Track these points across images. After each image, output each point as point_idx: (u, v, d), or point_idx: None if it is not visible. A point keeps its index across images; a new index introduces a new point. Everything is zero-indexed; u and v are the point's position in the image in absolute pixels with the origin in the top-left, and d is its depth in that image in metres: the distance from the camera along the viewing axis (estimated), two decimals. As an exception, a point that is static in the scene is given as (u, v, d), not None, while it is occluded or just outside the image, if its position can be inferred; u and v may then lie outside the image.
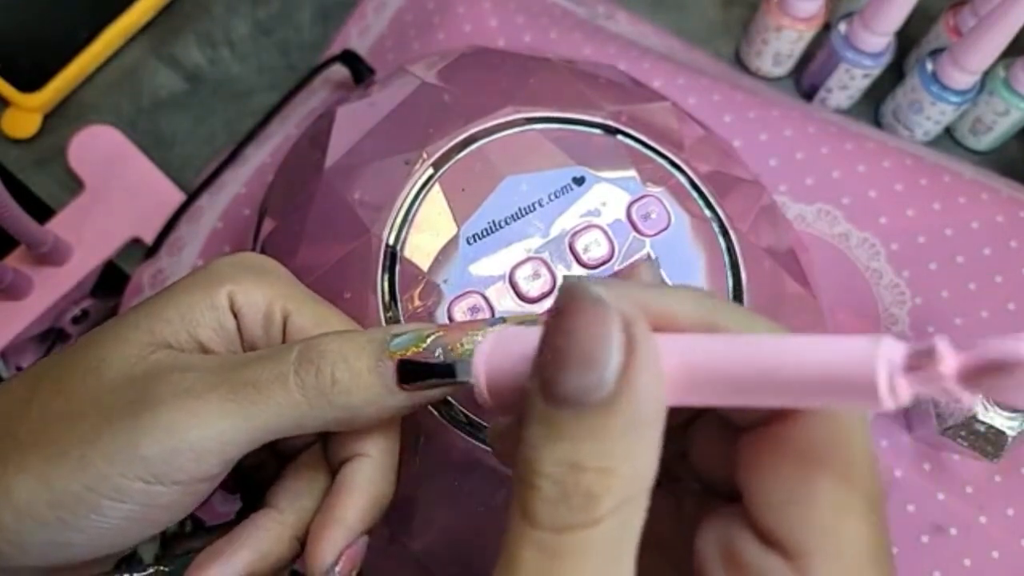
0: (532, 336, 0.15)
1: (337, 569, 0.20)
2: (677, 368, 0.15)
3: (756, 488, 0.16)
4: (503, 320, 0.21)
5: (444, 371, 0.19)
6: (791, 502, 0.15)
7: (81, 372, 0.20)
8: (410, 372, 0.19)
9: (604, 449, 0.14)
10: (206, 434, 0.18)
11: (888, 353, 0.13)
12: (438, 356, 0.20)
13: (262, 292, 0.21)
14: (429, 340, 0.20)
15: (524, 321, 0.20)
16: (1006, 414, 0.33)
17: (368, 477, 0.21)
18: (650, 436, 0.14)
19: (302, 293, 0.22)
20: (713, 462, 0.18)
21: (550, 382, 0.14)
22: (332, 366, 0.19)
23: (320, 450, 0.22)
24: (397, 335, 0.20)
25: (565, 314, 0.14)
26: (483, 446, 0.26)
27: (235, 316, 0.21)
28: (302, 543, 0.21)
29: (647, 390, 0.14)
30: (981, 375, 0.12)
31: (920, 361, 0.13)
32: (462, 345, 0.20)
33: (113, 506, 0.18)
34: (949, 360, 0.12)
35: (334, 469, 0.22)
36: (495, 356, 0.17)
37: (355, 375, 0.19)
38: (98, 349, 0.20)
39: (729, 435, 0.17)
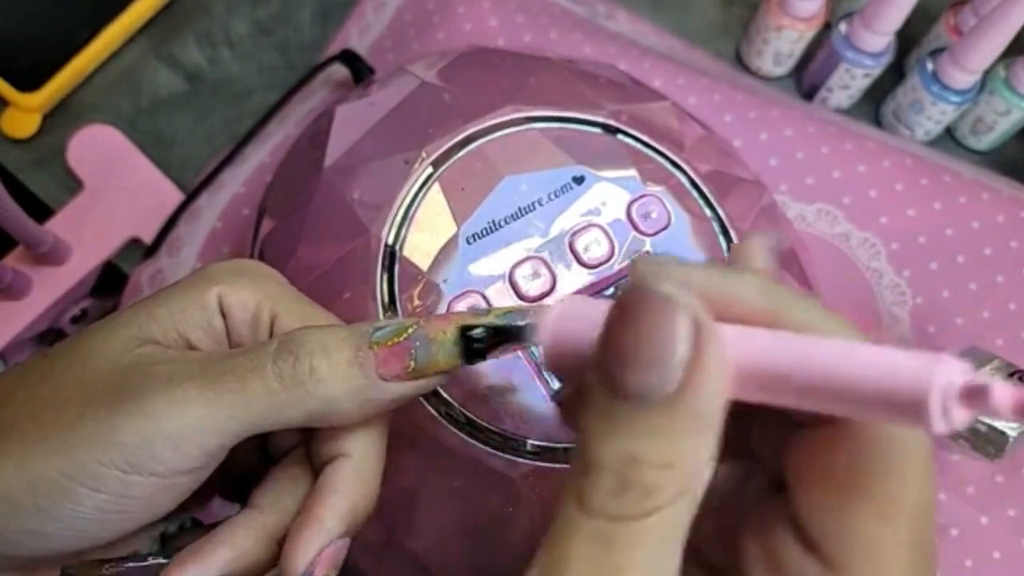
0: (599, 310, 0.15)
1: (313, 572, 0.19)
2: (735, 364, 0.15)
3: (803, 489, 0.16)
4: (487, 312, 0.20)
5: (512, 334, 0.19)
6: (835, 510, 0.15)
7: (68, 362, 0.20)
8: (475, 341, 0.19)
9: (665, 446, 0.14)
10: (184, 422, 0.18)
11: (943, 378, 0.13)
12: (418, 346, 0.19)
13: (252, 294, 0.21)
14: (410, 330, 0.20)
15: (506, 309, 0.20)
16: (1007, 414, 0.33)
17: (348, 478, 0.20)
18: (710, 432, 0.14)
19: (293, 296, 0.22)
20: (767, 449, 0.18)
21: (612, 378, 0.14)
22: (311, 355, 0.19)
23: (304, 452, 0.22)
24: (379, 328, 0.20)
25: (631, 310, 0.14)
26: (483, 446, 0.26)
27: (224, 316, 0.21)
28: (282, 545, 0.21)
29: (710, 389, 0.14)
30: None
31: (975, 394, 0.12)
32: (445, 333, 0.20)
33: (89, 495, 0.18)
34: (1005, 398, 0.12)
35: (317, 471, 0.21)
36: (562, 322, 0.17)
37: (334, 365, 0.19)
38: (87, 341, 0.20)
39: (785, 426, 0.17)
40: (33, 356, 0.21)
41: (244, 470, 0.23)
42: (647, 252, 0.20)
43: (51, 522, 0.18)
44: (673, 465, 0.14)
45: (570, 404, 0.19)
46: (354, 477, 0.21)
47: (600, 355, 0.15)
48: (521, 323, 0.19)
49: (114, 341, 0.20)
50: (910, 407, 0.13)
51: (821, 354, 0.14)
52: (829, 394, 0.14)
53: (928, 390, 0.12)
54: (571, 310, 0.17)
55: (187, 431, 0.18)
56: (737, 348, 0.15)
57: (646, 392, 0.14)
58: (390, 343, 0.19)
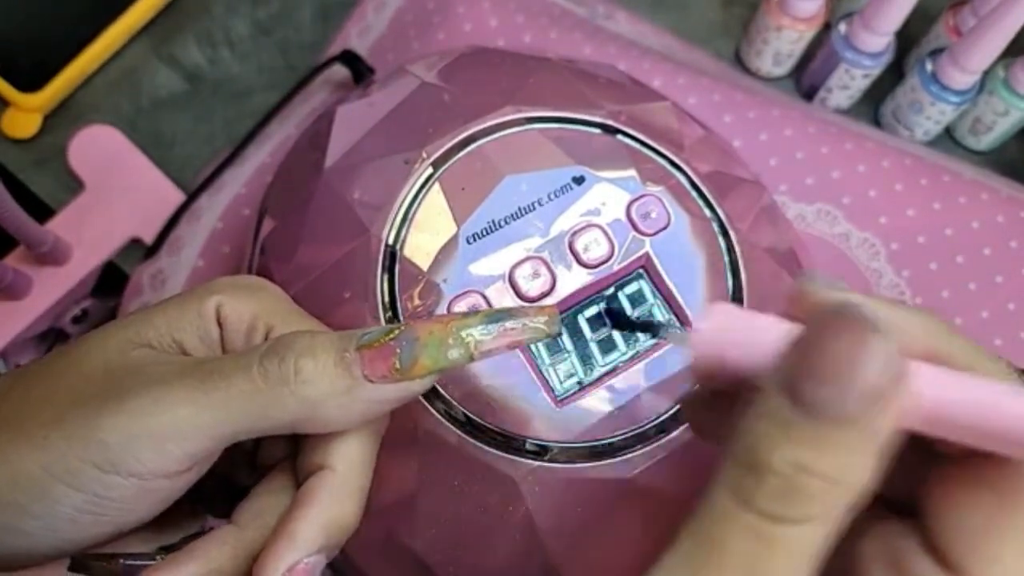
0: (762, 326, 0.16)
1: None
2: (915, 404, 0.15)
3: (944, 512, 0.16)
4: (476, 314, 0.20)
5: (653, 328, 0.20)
6: (978, 533, 0.16)
7: (64, 364, 0.20)
8: (619, 316, 0.20)
9: (837, 462, 0.15)
10: (167, 420, 0.18)
11: None
12: (404, 346, 0.19)
13: (250, 306, 0.22)
14: (396, 332, 0.20)
15: (493, 315, 0.20)
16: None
17: (328, 491, 0.20)
18: (876, 453, 0.15)
19: (290, 310, 0.23)
20: (896, 474, 0.18)
21: (802, 391, 0.15)
22: (297, 356, 0.19)
23: (289, 466, 0.22)
24: (368, 332, 0.20)
25: (833, 328, 0.15)
26: (483, 446, 0.26)
27: (220, 326, 0.22)
28: None
29: (887, 424, 0.15)
30: None
31: None
32: (431, 334, 0.20)
33: (67, 492, 0.18)
34: None
35: (300, 484, 0.21)
36: (717, 329, 0.17)
37: (319, 365, 0.19)
38: (84, 344, 0.21)
39: (921, 453, 0.17)
40: (33, 360, 0.22)
41: (237, 488, 0.23)
42: (814, 274, 0.21)
43: (29, 518, 0.18)
44: (839, 481, 0.15)
45: (700, 407, 0.20)
46: (335, 491, 0.20)
47: (789, 364, 0.15)
48: (660, 321, 0.20)
49: (110, 344, 0.20)
50: None
51: (1006, 402, 0.15)
52: (997, 434, 0.15)
53: None
54: (730, 321, 0.17)
55: (170, 430, 0.18)
56: (925, 383, 0.16)
57: (829, 408, 0.14)
58: (376, 344, 0.19)
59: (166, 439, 0.18)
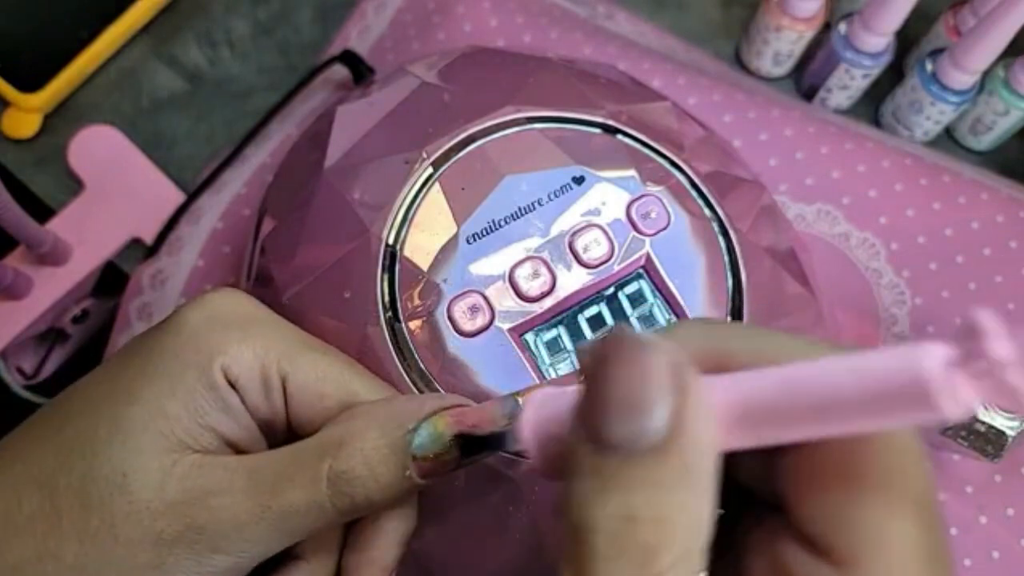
0: (573, 394, 0.15)
1: None
2: (728, 414, 0.14)
3: (802, 497, 0.15)
4: (515, 398, 0.20)
5: (498, 443, 0.20)
6: (840, 510, 0.15)
7: (104, 486, 0.19)
8: (470, 445, 0.20)
9: (657, 499, 0.13)
10: (262, 552, 0.20)
11: (936, 356, 0.12)
12: (459, 456, 0.20)
13: (253, 353, 0.21)
14: (451, 441, 0.20)
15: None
16: (1006, 414, 0.33)
17: (394, 517, 0.22)
18: (704, 484, 0.14)
19: (289, 340, 0.22)
20: (755, 472, 0.17)
21: (596, 429, 0.14)
22: (365, 491, 0.20)
23: None
24: (414, 429, 0.20)
25: (608, 359, 0.14)
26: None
27: (233, 386, 0.21)
28: None
29: (700, 434, 0.14)
30: None
31: (970, 347, 0.12)
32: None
33: None
34: (998, 338, 0.12)
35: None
36: (541, 418, 0.17)
37: (385, 487, 0.20)
38: (111, 458, 0.20)
39: (771, 451, 0.16)
40: (31, 457, 0.20)
41: None
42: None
43: None
44: (669, 519, 0.13)
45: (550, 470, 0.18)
46: (398, 515, 0.22)
47: (582, 410, 0.14)
48: (499, 430, 0.20)
49: (146, 458, 0.20)
50: (915, 398, 0.12)
51: (810, 375, 0.14)
52: (829, 413, 0.13)
53: (925, 372, 0.12)
54: (543, 398, 0.17)
55: (265, 555, 0.20)
56: (724, 392, 0.14)
57: (633, 441, 0.13)
58: (432, 458, 0.20)
59: (263, 558, 0.21)
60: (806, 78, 0.46)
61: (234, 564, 0.20)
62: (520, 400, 0.20)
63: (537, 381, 0.26)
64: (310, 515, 0.20)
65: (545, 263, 0.27)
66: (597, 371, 0.14)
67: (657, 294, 0.28)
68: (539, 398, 0.17)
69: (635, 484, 0.13)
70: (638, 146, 0.30)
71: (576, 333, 0.27)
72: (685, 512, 0.14)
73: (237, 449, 0.22)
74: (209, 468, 0.20)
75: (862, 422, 0.13)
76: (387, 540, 0.22)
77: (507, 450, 0.19)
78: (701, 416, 0.14)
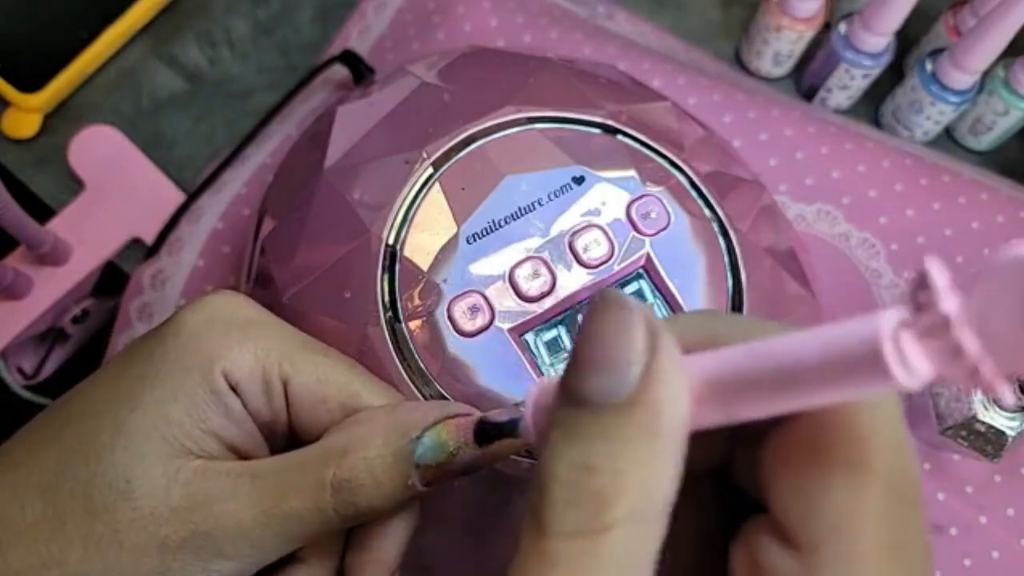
0: None
1: None
2: (699, 386, 0.14)
3: (775, 486, 0.15)
4: (517, 408, 0.21)
5: (511, 428, 0.20)
6: (805, 493, 0.14)
7: (107, 492, 0.19)
8: (486, 433, 0.20)
9: (616, 450, 0.14)
10: (266, 557, 0.20)
11: (891, 315, 0.12)
12: (466, 463, 0.20)
13: (254, 356, 0.21)
14: (457, 453, 0.20)
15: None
16: (1006, 414, 0.33)
17: (397, 517, 0.22)
18: (667, 449, 0.14)
19: (290, 342, 0.22)
20: (745, 473, 0.17)
21: (570, 385, 0.14)
22: (369, 498, 0.20)
23: None
24: (418, 438, 0.20)
25: (589, 319, 0.14)
26: (483, 446, 0.26)
27: (234, 390, 0.21)
28: None
29: (667, 398, 0.14)
30: (983, 297, 0.11)
31: (920, 303, 0.11)
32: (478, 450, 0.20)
33: None
34: (945, 288, 0.11)
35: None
36: (540, 403, 0.17)
37: (388, 495, 0.20)
38: (114, 464, 0.20)
39: (760, 440, 0.16)
40: (35, 462, 0.20)
41: None
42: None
43: None
44: (625, 472, 0.13)
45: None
46: (400, 515, 0.22)
47: (563, 371, 0.15)
48: (505, 420, 0.20)
49: (149, 465, 0.20)
50: (870, 363, 0.12)
51: (772, 347, 0.14)
52: (793, 383, 0.13)
53: (878, 337, 0.12)
54: (546, 384, 0.17)
55: (269, 560, 0.21)
56: (696, 365, 0.14)
57: (601, 395, 0.14)
58: (436, 467, 0.20)
59: (266, 562, 0.21)
60: (806, 78, 0.46)
61: (238, 569, 0.20)
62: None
63: (537, 382, 0.26)
64: (313, 521, 0.20)
65: (545, 263, 0.27)
66: (582, 329, 0.14)
67: (657, 294, 0.28)
68: (542, 384, 0.17)
69: (597, 435, 0.14)
70: (638, 146, 0.30)
71: (576, 333, 0.27)
72: (644, 469, 0.14)
73: (239, 453, 0.22)
74: (213, 474, 0.20)
75: (825, 392, 0.13)
76: (390, 541, 0.22)
77: (520, 437, 0.19)
78: (671, 379, 0.14)
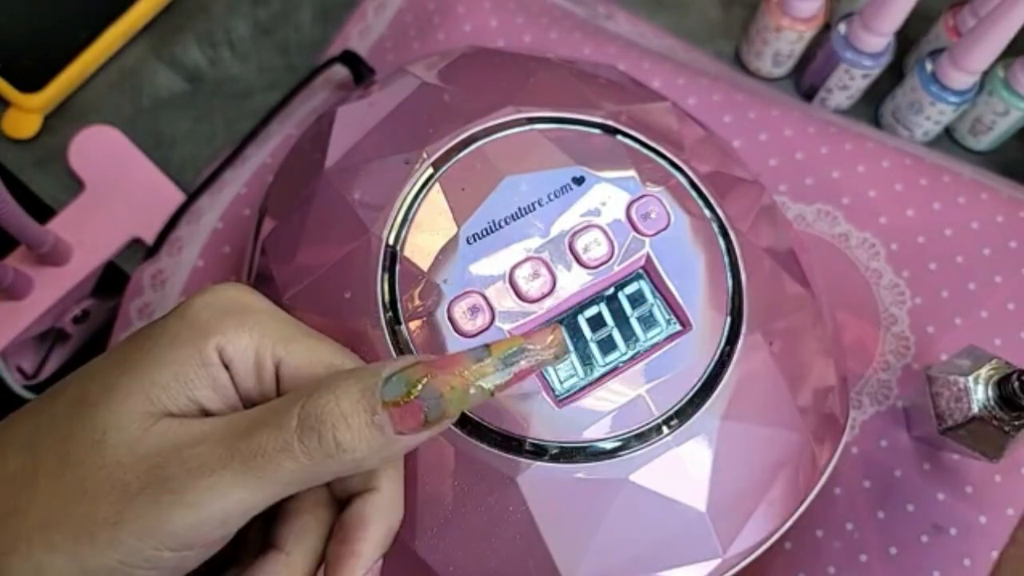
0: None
1: None
2: None
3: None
4: (487, 348, 0.21)
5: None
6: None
7: (83, 444, 0.20)
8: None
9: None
10: (227, 504, 0.19)
11: None
12: (430, 403, 0.20)
13: (249, 337, 0.22)
14: (419, 387, 0.20)
15: (507, 352, 0.21)
16: (1006, 414, 0.33)
17: (380, 510, 0.22)
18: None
19: (287, 328, 0.22)
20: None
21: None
22: (333, 429, 0.20)
23: (323, 486, 0.23)
24: (387, 378, 0.20)
25: None
26: (483, 446, 0.26)
27: (226, 367, 0.21)
28: None
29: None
30: None
31: None
32: (452, 389, 0.20)
33: (146, 573, 0.20)
34: None
35: (340, 501, 0.23)
36: None
37: (355, 432, 0.20)
38: (96, 418, 0.20)
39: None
40: (26, 425, 0.21)
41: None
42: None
43: None
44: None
45: None
46: (385, 507, 0.22)
47: None
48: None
49: (124, 420, 0.20)
50: None
51: None
52: None
53: None
54: None
55: (231, 510, 0.20)
56: None
57: None
58: (401, 401, 0.20)
59: (228, 517, 0.20)
60: (806, 78, 0.46)
61: (196, 521, 0.19)
62: (491, 348, 0.21)
63: (537, 382, 0.26)
64: (278, 457, 0.20)
65: (545, 263, 0.27)
66: None
67: (657, 294, 0.28)
68: None
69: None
70: (638, 146, 0.30)
71: (576, 333, 0.27)
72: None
73: None
74: (187, 425, 0.20)
75: None
76: (372, 532, 0.22)
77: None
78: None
